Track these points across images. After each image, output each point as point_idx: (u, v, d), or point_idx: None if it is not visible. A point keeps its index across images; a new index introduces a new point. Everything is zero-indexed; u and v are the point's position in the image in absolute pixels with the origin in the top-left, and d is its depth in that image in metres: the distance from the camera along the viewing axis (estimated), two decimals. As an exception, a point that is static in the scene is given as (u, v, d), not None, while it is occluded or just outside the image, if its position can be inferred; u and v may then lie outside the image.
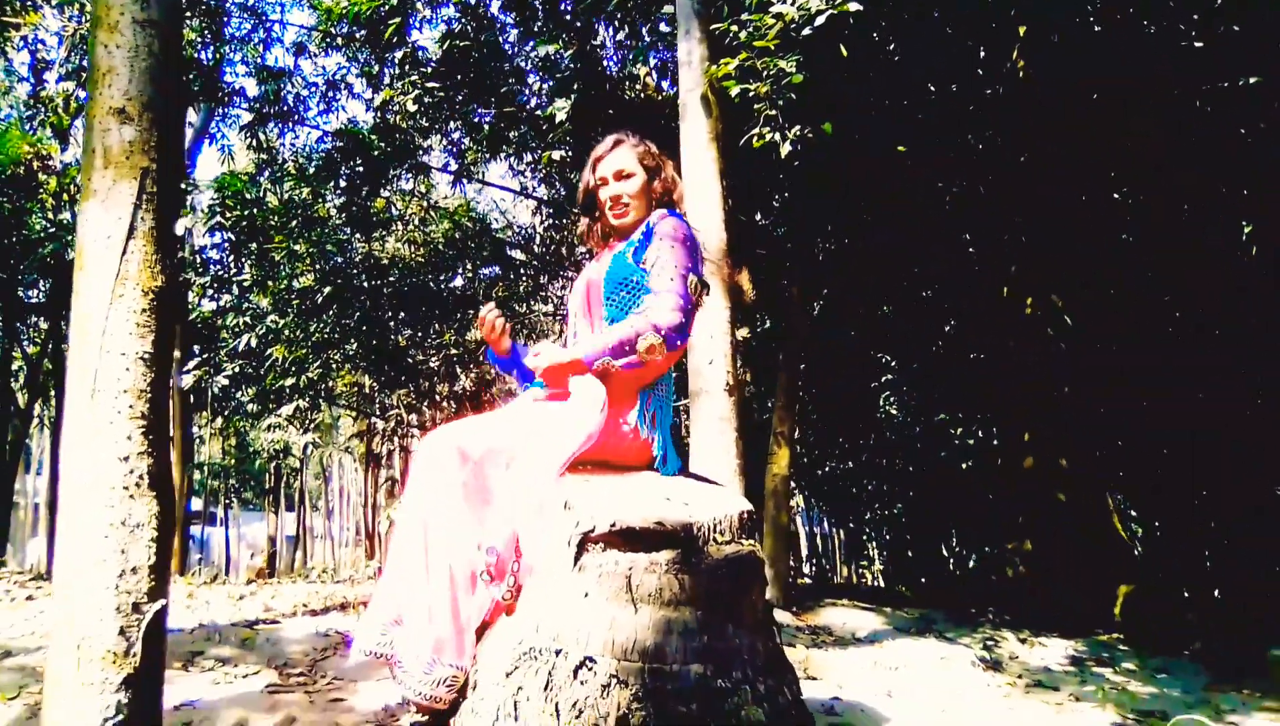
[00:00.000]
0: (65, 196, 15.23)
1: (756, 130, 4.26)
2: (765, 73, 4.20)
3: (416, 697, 2.60)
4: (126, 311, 1.43)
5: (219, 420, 16.56)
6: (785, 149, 4.25)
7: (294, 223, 10.38)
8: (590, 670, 2.25)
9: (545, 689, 2.29)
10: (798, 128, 4.24)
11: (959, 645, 5.49)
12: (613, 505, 2.39)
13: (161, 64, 1.54)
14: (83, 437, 1.43)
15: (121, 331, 1.42)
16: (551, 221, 13.01)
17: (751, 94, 4.17)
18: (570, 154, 6.87)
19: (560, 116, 6.16)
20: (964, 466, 12.13)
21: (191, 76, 12.51)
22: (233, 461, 22.13)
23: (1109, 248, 7.75)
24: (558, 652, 2.31)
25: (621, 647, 2.27)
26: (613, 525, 2.33)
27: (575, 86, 6.33)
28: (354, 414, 17.21)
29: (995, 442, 11.22)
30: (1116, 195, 7.92)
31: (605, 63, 7.41)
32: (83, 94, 12.59)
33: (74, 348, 1.46)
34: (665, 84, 8.84)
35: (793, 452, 6.97)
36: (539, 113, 6.90)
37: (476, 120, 10.16)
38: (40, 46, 15.36)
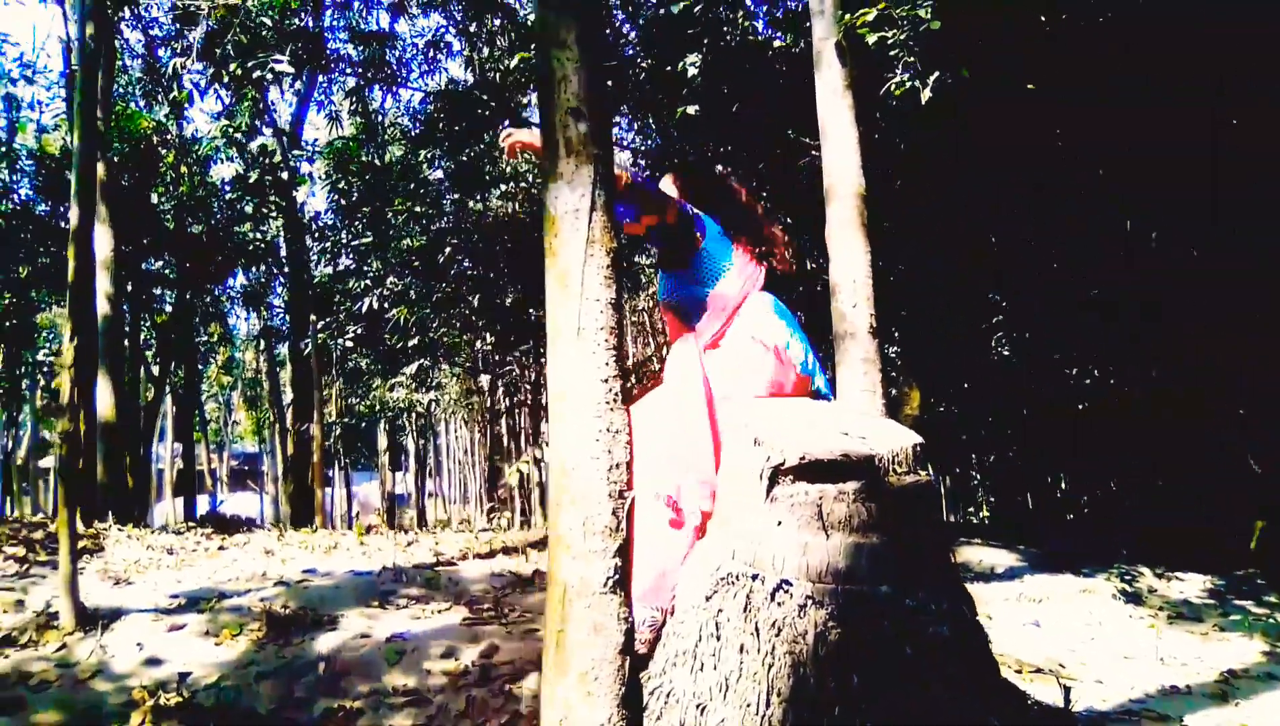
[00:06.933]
0: (184, 169, 15.76)
1: (896, 77, 4.33)
2: (902, 20, 4.26)
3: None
4: (596, 267, 1.75)
5: (339, 382, 17.14)
6: (926, 95, 4.31)
7: (412, 185, 10.69)
8: (787, 592, 2.42)
9: (744, 610, 2.47)
10: (937, 73, 4.29)
11: (1096, 580, 5.55)
12: (799, 440, 2.54)
13: (596, 70, 1.80)
14: (570, 365, 1.75)
15: (594, 282, 1.73)
16: (648, 173, 13.06)
17: (890, 41, 4.24)
18: (700, 109, 6.93)
19: (692, 71, 6.24)
20: (1080, 407, 11.95)
21: (297, 45, 12.71)
22: (350, 421, 22.85)
23: (1244, 178, 7.47)
24: (754, 577, 2.48)
25: (815, 571, 2.42)
26: (802, 458, 2.48)
27: (705, 41, 6.41)
28: (463, 372, 17.69)
29: (1111, 381, 11.05)
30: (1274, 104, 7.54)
31: (723, 12, 7.44)
32: (197, 65, 12.95)
33: (556, 296, 1.77)
34: (774, 33, 8.83)
35: (924, 393, 7.02)
36: (667, 68, 6.99)
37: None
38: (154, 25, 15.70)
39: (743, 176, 8.99)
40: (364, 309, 11.02)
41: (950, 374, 13.62)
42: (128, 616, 3.68)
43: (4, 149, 14.22)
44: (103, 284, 10.80)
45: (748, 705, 2.39)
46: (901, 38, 4.23)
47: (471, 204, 11.74)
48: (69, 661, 3.28)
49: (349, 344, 12.28)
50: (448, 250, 10.49)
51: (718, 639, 2.52)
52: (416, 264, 10.73)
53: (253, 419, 39.63)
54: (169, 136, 15.76)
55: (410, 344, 10.89)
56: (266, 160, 13.46)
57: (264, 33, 10.54)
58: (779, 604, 2.43)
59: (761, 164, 8.96)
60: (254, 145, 13.23)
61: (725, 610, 2.52)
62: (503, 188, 13.56)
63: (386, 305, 10.92)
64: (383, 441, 28.13)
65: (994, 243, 10.03)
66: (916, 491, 2.58)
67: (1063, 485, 13.82)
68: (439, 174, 12.31)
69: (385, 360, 11.78)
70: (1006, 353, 13.45)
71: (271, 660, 3.19)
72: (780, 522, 2.50)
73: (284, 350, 22.87)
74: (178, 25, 13.40)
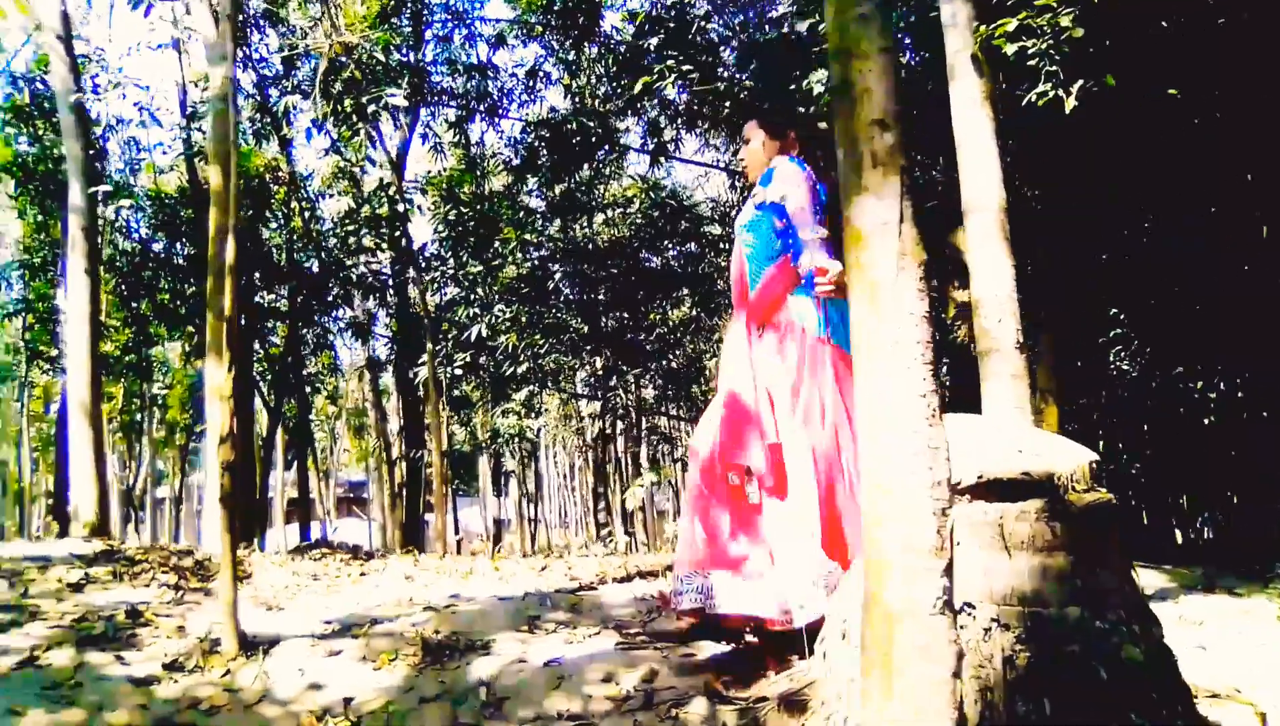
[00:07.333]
0: (295, 205, 16.22)
1: (1038, 88, 4.24)
2: (1042, 30, 4.16)
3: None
4: (908, 279, 1.75)
5: (446, 409, 17.40)
6: (1071, 104, 4.20)
7: (520, 213, 10.86)
8: (970, 615, 2.35)
9: (926, 633, 2.40)
10: (1080, 82, 4.19)
11: (1255, 601, 5.30)
12: (974, 457, 2.48)
13: (896, 82, 1.81)
14: (886, 382, 1.74)
15: (908, 296, 1.73)
16: (746, 192, 13.01)
17: (1031, 50, 4.15)
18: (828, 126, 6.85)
19: (818, 89, 6.26)
20: (1206, 422, 11.47)
21: (404, 79, 12.91)
22: (460, 448, 23.13)
23: None
24: (933, 599, 2.41)
25: (999, 593, 2.36)
26: (980, 477, 2.42)
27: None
28: (566, 398, 17.86)
29: (1240, 394, 10.58)
30: None
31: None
32: (304, 104, 13.35)
33: (864, 312, 1.78)
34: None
35: (1061, 411, 6.83)
36: (790, 87, 6.97)
37: (670, 99, 10.36)
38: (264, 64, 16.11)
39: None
40: (472, 337, 11.17)
41: (1073, 389, 13.18)
42: (286, 642, 3.77)
43: (134, 189, 14.83)
44: (225, 318, 11.18)
45: (932, 732, 2.33)
46: (1043, 47, 4.13)
47: (583, 230, 11.89)
48: (234, 686, 3.36)
49: (458, 372, 12.49)
50: (557, 275, 10.64)
51: (896, 663, 2.46)
52: (525, 290, 10.88)
53: (359, 447, 40.54)
54: (280, 173, 16.25)
55: (519, 371, 11.02)
56: (383, 193, 13.79)
57: (375, 67, 10.85)
58: (962, 627, 2.36)
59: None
60: (370, 179, 13.58)
61: (906, 633, 2.46)
62: (606, 214, 13.70)
63: (493, 332, 11.07)
64: (485, 468, 28.51)
65: (1109, 258, 9.75)
66: (1099, 509, 2.49)
67: (1184, 502, 13.27)
68: (541, 202, 12.50)
69: (492, 387, 11.95)
70: (1125, 367, 13.01)
71: (431, 685, 3.22)
72: (959, 543, 2.44)
73: (386, 379, 23.30)
74: (286, 65, 13.90)
